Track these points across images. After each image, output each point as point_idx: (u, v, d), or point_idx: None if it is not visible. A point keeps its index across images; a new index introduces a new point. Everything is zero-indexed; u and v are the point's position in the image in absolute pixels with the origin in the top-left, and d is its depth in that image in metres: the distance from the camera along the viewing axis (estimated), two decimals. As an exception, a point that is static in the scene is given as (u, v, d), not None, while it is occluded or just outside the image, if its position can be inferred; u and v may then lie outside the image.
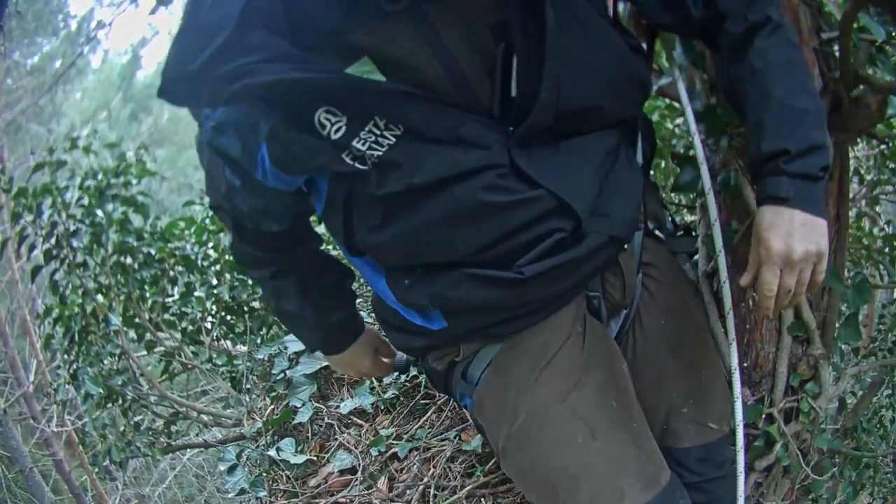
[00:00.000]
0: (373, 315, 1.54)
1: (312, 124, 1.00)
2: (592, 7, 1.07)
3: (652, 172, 1.71)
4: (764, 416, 1.72)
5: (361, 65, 1.00)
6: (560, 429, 1.17)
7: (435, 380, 1.37)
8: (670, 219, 1.52)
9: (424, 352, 1.31)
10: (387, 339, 1.50)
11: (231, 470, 2.04)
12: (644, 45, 1.24)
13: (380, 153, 1.01)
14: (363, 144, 1.01)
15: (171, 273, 3.10)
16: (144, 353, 3.28)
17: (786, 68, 1.12)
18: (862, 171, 2.69)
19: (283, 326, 3.06)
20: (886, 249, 2.55)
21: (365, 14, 0.97)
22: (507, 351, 1.22)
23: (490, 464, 1.69)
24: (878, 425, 2.88)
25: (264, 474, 1.96)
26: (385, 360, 1.54)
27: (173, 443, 2.61)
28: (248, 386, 2.39)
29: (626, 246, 1.22)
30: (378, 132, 1.00)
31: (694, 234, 1.63)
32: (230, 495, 2.03)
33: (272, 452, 1.95)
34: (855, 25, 1.45)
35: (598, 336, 1.26)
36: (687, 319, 1.35)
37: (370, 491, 1.73)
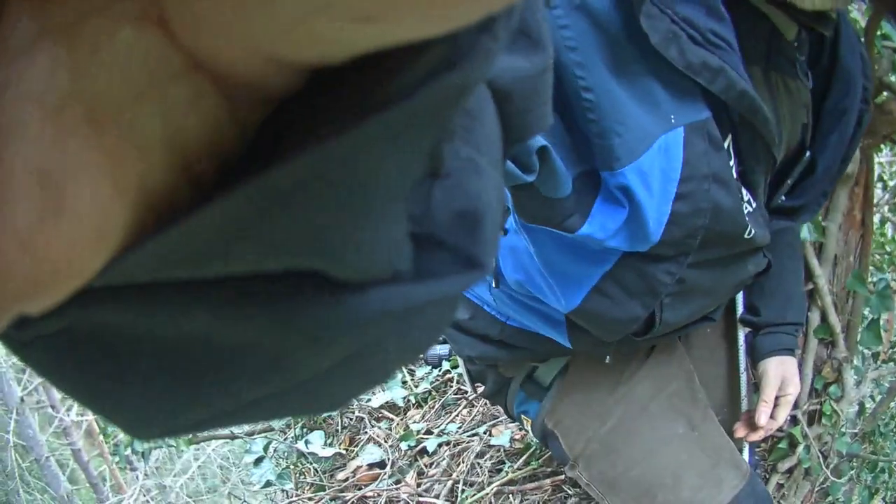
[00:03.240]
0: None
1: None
2: None
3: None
4: (789, 417, 1.73)
5: None
6: (660, 423, 1.19)
7: (487, 386, 1.33)
8: None
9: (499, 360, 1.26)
10: None
11: (258, 462, 2.05)
12: None
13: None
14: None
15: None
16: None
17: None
18: (885, 177, 2.68)
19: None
20: (908, 255, 2.55)
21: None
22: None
23: (520, 461, 1.71)
24: (895, 430, 2.88)
25: (291, 467, 1.98)
26: None
27: (199, 433, 2.64)
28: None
29: None
30: None
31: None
32: (255, 487, 2.05)
33: (300, 445, 1.97)
34: (878, 33, 1.47)
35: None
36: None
37: (398, 486, 1.75)
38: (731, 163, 0.85)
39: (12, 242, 0.13)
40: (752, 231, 0.90)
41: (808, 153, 1.02)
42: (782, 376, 1.25)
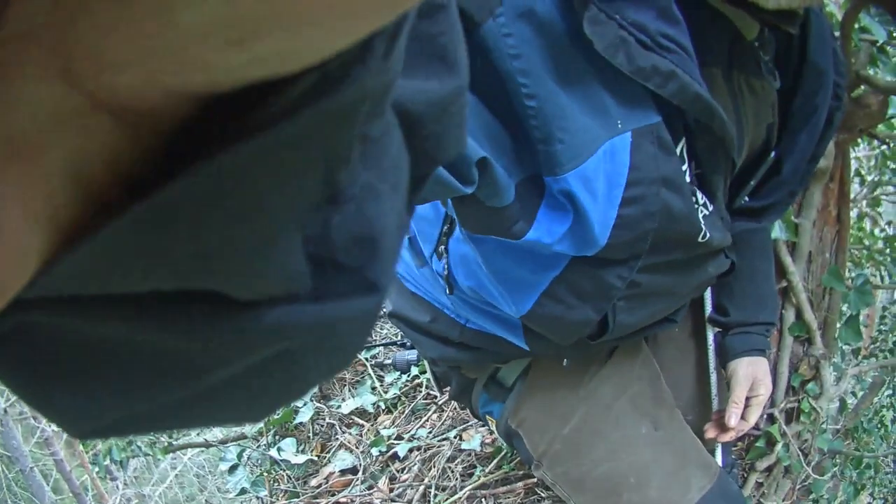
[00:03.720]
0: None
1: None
2: None
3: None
4: (765, 416, 1.72)
5: None
6: (623, 423, 1.17)
7: (452, 388, 1.33)
8: None
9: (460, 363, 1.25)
10: None
11: (232, 470, 2.04)
12: None
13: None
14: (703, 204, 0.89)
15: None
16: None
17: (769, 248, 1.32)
18: (863, 172, 2.68)
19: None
20: (887, 250, 2.55)
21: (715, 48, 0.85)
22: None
23: (491, 465, 1.69)
24: (879, 425, 2.88)
25: (265, 474, 1.96)
26: None
27: (174, 442, 2.61)
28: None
29: None
30: None
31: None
32: (231, 495, 2.03)
33: (273, 452, 1.95)
34: (856, 26, 1.45)
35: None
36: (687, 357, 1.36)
37: (371, 491, 1.73)
38: (685, 167, 0.84)
39: None
40: (708, 234, 0.88)
41: (773, 153, 0.99)
42: (753, 377, 1.23)
